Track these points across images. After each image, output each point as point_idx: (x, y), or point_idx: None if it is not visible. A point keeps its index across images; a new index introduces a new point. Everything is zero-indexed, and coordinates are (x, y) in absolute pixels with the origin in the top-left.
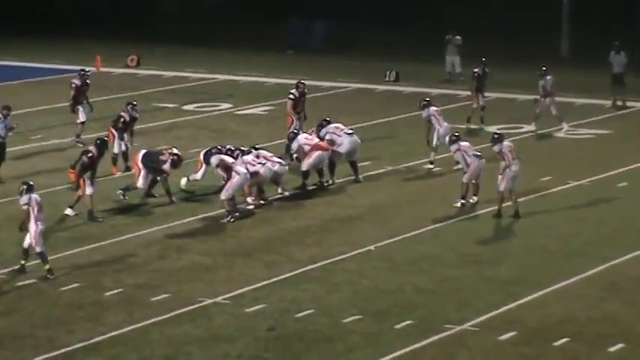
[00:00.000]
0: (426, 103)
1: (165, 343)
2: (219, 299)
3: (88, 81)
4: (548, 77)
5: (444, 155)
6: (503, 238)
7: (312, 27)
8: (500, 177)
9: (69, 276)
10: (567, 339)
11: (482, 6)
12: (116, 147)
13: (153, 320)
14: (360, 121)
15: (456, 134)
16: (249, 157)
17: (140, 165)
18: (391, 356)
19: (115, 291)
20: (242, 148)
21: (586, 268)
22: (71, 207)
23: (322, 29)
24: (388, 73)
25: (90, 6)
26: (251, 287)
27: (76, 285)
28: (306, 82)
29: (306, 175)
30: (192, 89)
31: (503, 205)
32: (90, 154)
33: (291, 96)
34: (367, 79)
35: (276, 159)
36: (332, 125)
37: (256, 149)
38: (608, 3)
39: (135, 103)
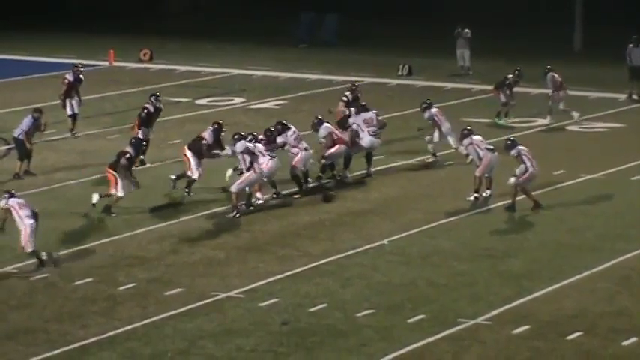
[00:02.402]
0: (426, 105)
1: (179, 338)
2: (232, 293)
3: (81, 76)
4: (550, 75)
5: (449, 151)
6: (516, 232)
7: (323, 21)
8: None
9: (82, 270)
10: (580, 333)
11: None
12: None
13: (166, 314)
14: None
15: (468, 128)
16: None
17: (189, 154)
18: (404, 350)
19: (129, 285)
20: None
21: (599, 261)
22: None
23: (334, 23)
24: (401, 66)
25: (98, 2)
26: (264, 281)
27: (89, 279)
28: (319, 77)
29: (330, 166)
30: (205, 83)
31: (517, 199)
32: (128, 156)
33: (345, 98)
34: (380, 73)
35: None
36: (360, 118)
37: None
38: None
39: (158, 94)
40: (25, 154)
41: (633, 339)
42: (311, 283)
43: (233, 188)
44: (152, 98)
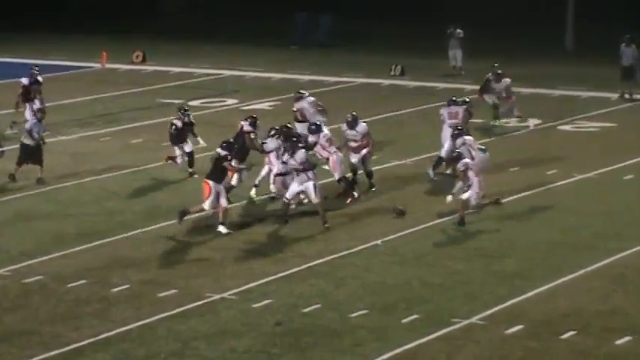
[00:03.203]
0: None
1: (172, 339)
2: (226, 295)
3: (39, 78)
4: (505, 80)
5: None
6: (509, 232)
7: (316, 22)
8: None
9: (76, 272)
10: (574, 332)
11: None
12: (180, 155)
13: (160, 316)
14: (366, 115)
15: (459, 128)
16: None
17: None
18: (398, 350)
19: (123, 287)
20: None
21: (593, 261)
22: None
23: (327, 24)
24: (393, 67)
25: (96, 2)
26: (258, 282)
27: (83, 281)
28: (312, 78)
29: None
30: (199, 85)
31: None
32: (228, 157)
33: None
34: (372, 73)
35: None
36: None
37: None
38: None
39: (187, 108)
40: (37, 158)
41: (627, 338)
42: (305, 284)
43: (316, 199)
44: (180, 112)
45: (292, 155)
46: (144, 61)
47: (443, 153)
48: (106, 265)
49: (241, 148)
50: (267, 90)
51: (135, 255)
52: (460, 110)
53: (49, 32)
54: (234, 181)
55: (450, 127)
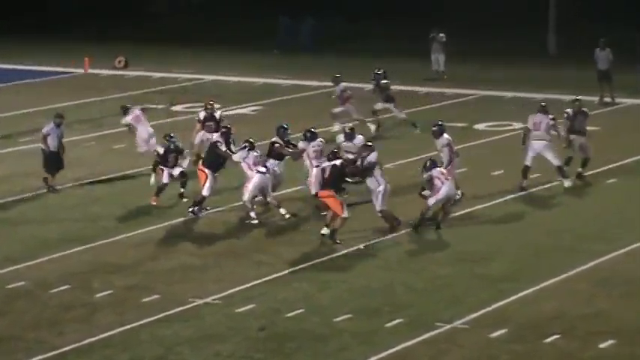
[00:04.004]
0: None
1: (156, 344)
2: (209, 299)
3: None
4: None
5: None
6: (494, 236)
7: (299, 26)
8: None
9: (59, 278)
10: (558, 335)
11: (467, 3)
12: (165, 177)
13: (144, 321)
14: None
15: (440, 123)
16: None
17: (205, 170)
18: (382, 355)
19: (106, 292)
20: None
21: (577, 264)
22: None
23: (310, 28)
24: (376, 71)
25: (77, 8)
26: (241, 287)
27: (66, 287)
28: (295, 82)
29: None
30: (181, 90)
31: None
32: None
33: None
34: (356, 77)
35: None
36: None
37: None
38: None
39: (172, 135)
40: (56, 167)
41: (611, 341)
42: (288, 289)
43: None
44: (166, 139)
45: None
46: (126, 66)
47: (527, 162)
48: (89, 271)
49: (216, 156)
50: (250, 95)
51: (118, 260)
52: (545, 120)
53: (31, 37)
54: (205, 191)
55: (534, 139)
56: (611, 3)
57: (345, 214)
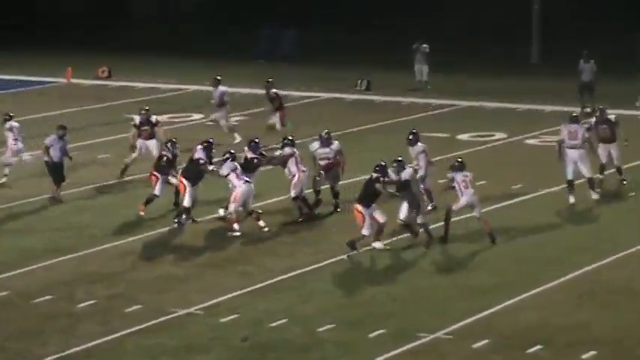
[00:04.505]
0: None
1: (139, 354)
2: (192, 309)
3: None
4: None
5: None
6: (476, 246)
7: (283, 36)
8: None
9: (42, 287)
10: (540, 346)
11: (451, 14)
12: (157, 189)
13: (127, 331)
14: (331, 130)
15: (414, 131)
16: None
17: (184, 181)
18: None
19: (89, 302)
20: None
21: (560, 274)
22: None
23: (292, 38)
24: (359, 81)
25: (61, 17)
26: (225, 297)
27: (49, 297)
28: (278, 92)
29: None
30: (164, 100)
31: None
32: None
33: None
34: (338, 88)
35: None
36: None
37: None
38: (578, 8)
39: (175, 140)
40: (61, 178)
41: (592, 352)
42: (271, 299)
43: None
44: (169, 145)
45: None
46: (109, 76)
47: (569, 175)
48: (72, 281)
49: (198, 171)
50: (233, 105)
51: (101, 270)
52: (580, 129)
53: (13, 47)
54: (186, 202)
55: (570, 148)
56: (595, 14)
57: (365, 232)
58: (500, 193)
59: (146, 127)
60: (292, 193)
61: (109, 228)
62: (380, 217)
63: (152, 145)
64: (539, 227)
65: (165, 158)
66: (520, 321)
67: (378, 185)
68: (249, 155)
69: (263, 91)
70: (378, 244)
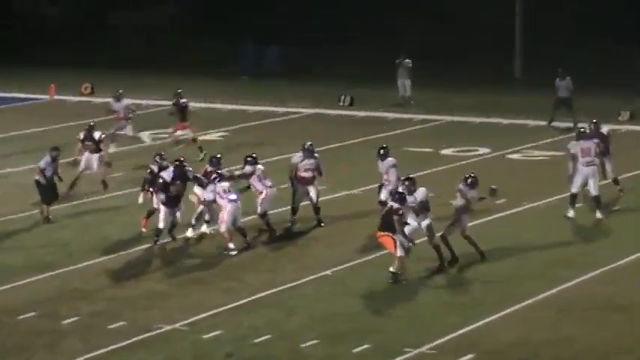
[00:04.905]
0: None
1: None
2: (176, 326)
3: None
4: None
5: None
6: (459, 261)
7: (265, 52)
8: None
9: (25, 304)
10: None
11: (434, 28)
12: (155, 202)
13: (110, 348)
14: (315, 146)
15: (385, 146)
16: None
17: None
18: None
19: (72, 319)
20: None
21: (543, 289)
22: None
23: (275, 54)
24: (342, 97)
25: (44, 33)
26: (208, 314)
27: (32, 313)
28: (261, 108)
29: None
30: (148, 116)
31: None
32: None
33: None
34: (321, 103)
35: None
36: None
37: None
38: (562, 21)
39: (163, 153)
40: (52, 198)
41: None
42: (254, 315)
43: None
44: (156, 158)
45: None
46: (92, 93)
47: (575, 189)
48: (56, 297)
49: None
50: (217, 121)
51: (84, 287)
52: (592, 145)
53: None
54: (161, 223)
55: (586, 165)
56: (578, 27)
57: (400, 253)
58: (484, 207)
59: (89, 143)
60: (259, 210)
61: (91, 245)
62: (400, 252)
63: (94, 159)
64: (522, 242)
65: (150, 171)
66: (503, 336)
67: (395, 218)
68: (209, 169)
69: (241, 107)
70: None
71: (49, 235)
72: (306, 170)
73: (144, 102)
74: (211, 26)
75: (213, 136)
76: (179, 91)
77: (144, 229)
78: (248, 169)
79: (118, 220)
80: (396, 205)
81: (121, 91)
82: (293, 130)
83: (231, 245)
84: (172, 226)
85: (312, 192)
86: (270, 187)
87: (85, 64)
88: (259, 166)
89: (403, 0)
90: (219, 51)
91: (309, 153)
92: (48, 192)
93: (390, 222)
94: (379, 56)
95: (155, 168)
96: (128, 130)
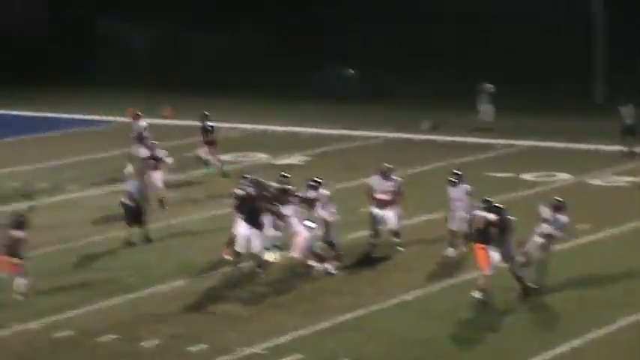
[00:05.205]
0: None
1: None
2: (256, 349)
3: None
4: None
5: None
6: (544, 285)
7: (346, 75)
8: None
9: (105, 327)
10: None
11: (515, 54)
12: (235, 227)
13: None
14: (395, 170)
15: (459, 172)
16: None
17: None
18: None
19: (152, 342)
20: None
21: (627, 314)
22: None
23: (356, 77)
24: (424, 122)
25: (122, 58)
26: (288, 337)
27: (113, 336)
28: (342, 132)
29: None
30: (227, 140)
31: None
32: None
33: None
34: (402, 128)
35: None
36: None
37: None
38: None
39: (248, 176)
40: (137, 220)
41: None
42: (334, 339)
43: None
44: (242, 182)
45: None
46: (173, 115)
47: None
48: (135, 319)
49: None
50: (298, 144)
51: (164, 309)
52: None
53: (75, 86)
54: (240, 245)
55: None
56: None
57: (489, 272)
58: (567, 232)
59: (151, 161)
60: (328, 237)
61: (171, 268)
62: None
63: (156, 176)
64: (605, 267)
65: (235, 195)
66: None
67: (493, 230)
68: (291, 189)
69: (320, 130)
70: (477, 294)
71: (131, 257)
72: (383, 193)
73: (224, 125)
74: (292, 50)
75: (295, 159)
76: (206, 113)
77: (226, 256)
78: (312, 194)
79: (198, 244)
80: (493, 217)
81: (139, 113)
82: (374, 153)
83: (328, 266)
84: (254, 250)
85: (391, 215)
86: (332, 213)
87: (158, 87)
88: (323, 192)
89: (480, 29)
90: (298, 73)
91: (386, 176)
92: (133, 214)
93: (486, 234)
94: (461, 81)
95: (240, 192)
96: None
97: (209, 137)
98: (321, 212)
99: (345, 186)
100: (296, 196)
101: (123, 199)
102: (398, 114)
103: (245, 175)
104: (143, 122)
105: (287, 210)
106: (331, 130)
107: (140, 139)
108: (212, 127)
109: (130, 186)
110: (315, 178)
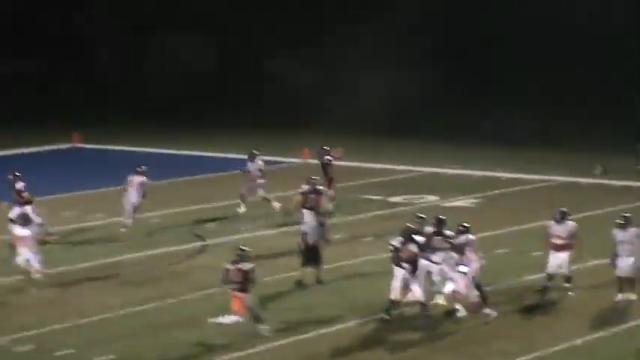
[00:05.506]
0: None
1: None
2: None
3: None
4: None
5: None
6: None
7: (513, 119)
8: None
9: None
10: None
11: None
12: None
13: None
14: (569, 214)
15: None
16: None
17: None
18: None
19: None
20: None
21: None
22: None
23: (525, 121)
24: (596, 166)
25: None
26: None
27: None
28: (512, 175)
29: None
30: (397, 182)
31: None
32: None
33: None
34: (574, 172)
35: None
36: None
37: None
38: None
39: (423, 215)
40: (311, 261)
41: None
42: None
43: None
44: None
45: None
46: (341, 156)
47: None
48: None
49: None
50: (467, 187)
51: (333, 351)
52: None
53: (247, 129)
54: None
55: None
56: None
57: None
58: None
59: (312, 196)
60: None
61: (339, 308)
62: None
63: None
64: None
65: (393, 247)
66: None
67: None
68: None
69: (492, 173)
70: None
71: (302, 298)
72: (557, 237)
73: (392, 167)
74: (462, 96)
75: (465, 202)
76: (254, 151)
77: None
78: (462, 239)
79: (367, 285)
80: None
81: (255, 151)
82: (544, 197)
83: (487, 311)
84: (415, 296)
85: (564, 260)
86: (480, 258)
87: (333, 128)
88: (471, 237)
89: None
90: (465, 116)
91: (557, 220)
92: (307, 255)
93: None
94: (631, 126)
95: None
96: (260, 192)
97: (329, 173)
98: (471, 255)
99: (517, 229)
100: (449, 242)
101: (298, 240)
102: (569, 157)
103: (420, 215)
104: (259, 161)
105: (437, 257)
106: (501, 173)
107: (254, 178)
108: (330, 161)
109: (305, 227)
110: (464, 224)
